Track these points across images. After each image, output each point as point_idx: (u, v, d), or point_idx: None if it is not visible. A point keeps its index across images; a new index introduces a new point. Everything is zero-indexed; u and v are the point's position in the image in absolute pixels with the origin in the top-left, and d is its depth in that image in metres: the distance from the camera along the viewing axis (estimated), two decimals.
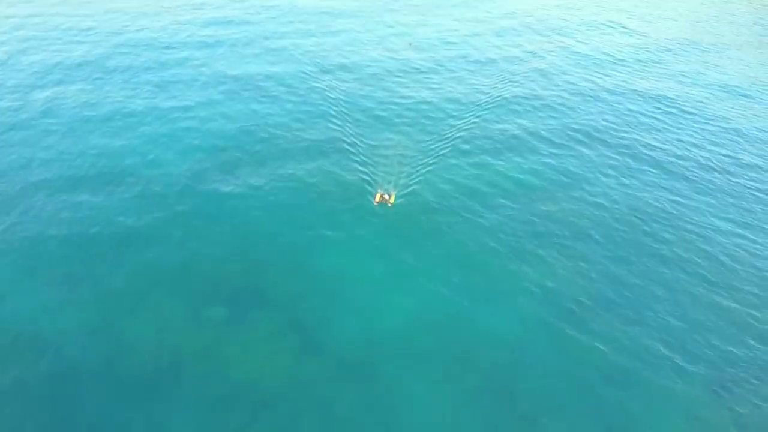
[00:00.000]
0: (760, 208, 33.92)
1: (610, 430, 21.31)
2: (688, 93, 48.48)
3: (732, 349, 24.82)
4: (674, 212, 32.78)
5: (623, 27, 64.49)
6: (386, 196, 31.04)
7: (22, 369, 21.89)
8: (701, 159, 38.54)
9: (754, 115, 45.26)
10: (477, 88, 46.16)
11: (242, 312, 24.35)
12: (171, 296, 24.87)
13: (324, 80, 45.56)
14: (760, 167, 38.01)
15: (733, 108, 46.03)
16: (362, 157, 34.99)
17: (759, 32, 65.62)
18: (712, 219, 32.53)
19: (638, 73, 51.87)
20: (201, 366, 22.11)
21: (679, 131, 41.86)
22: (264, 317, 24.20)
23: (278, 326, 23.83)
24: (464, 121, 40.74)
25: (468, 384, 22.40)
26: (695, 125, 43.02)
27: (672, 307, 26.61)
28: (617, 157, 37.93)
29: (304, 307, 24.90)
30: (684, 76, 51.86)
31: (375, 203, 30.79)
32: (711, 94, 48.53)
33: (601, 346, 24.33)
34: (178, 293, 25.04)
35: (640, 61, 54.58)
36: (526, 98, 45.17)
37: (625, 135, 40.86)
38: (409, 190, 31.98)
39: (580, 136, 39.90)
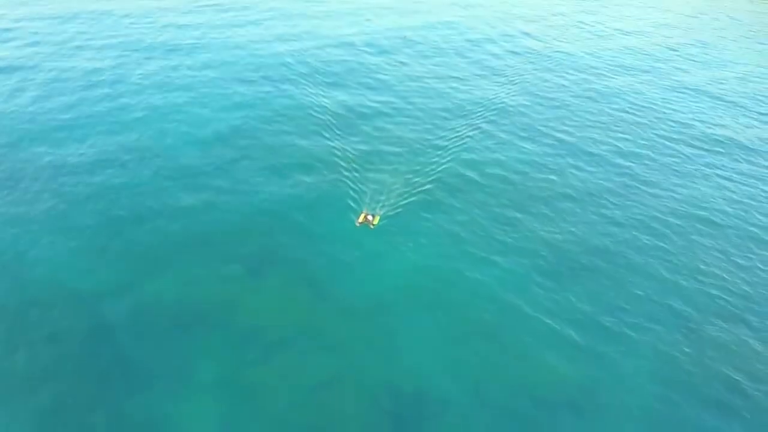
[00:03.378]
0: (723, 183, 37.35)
1: (588, 371, 24.20)
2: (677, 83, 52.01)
3: (700, 299, 28.16)
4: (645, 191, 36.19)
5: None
6: (370, 217, 30.39)
7: (60, 321, 24.52)
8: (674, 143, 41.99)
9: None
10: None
11: (257, 270, 27.29)
12: (192, 258, 27.73)
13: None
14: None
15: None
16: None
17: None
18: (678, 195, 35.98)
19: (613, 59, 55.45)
20: (221, 313, 24.95)
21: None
22: (277, 273, 27.16)
23: (290, 281, 26.77)
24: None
25: (459, 329, 25.33)
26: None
27: (643, 268, 29.69)
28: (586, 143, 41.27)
29: (313, 266, 27.74)
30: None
31: (357, 224, 30.06)
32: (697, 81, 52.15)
33: (579, 301, 27.30)
34: (198, 255, 27.88)
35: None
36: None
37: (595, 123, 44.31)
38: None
39: (557, 134, 43.17)
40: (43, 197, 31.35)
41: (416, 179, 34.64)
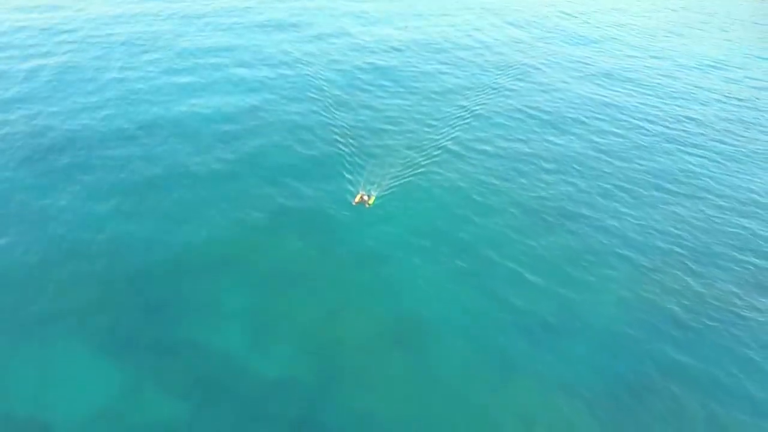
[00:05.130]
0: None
1: (560, 304, 28.60)
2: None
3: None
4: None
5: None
6: (366, 197, 32.54)
7: (104, 261, 28.67)
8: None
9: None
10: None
11: (277, 221, 31.77)
12: (218, 210, 32.12)
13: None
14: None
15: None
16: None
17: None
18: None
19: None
20: (245, 256, 29.24)
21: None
22: (294, 224, 31.65)
23: (306, 229, 31.27)
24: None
25: (449, 271, 29.82)
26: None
27: (603, 225, 34.43)
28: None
29: (323, 222, 32.02)
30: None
31: (354, 203, 32.45)
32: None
33: (548, 251, 31.92)
34: (224, 209, 32.28)
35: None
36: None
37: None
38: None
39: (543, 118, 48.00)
40: (87, 165, 35.57)
41: (413, 156, 39.14)
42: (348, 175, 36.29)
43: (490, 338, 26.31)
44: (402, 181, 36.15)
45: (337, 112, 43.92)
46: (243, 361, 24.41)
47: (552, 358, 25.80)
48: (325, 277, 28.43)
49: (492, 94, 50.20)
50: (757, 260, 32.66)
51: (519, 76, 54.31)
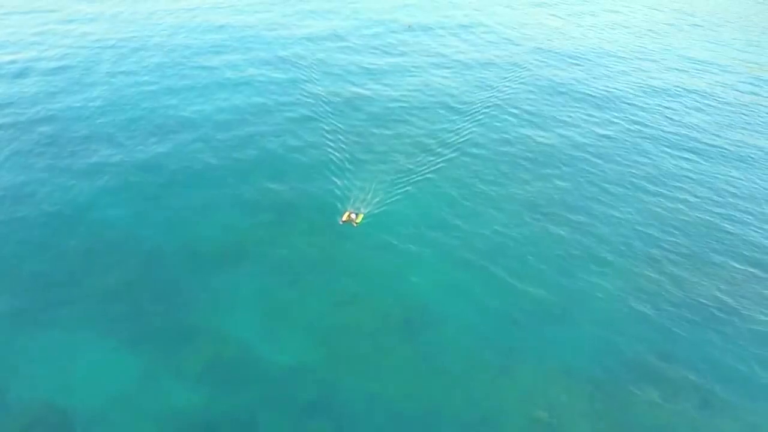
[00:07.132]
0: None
1: (563, 294, 29.54)
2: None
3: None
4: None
5: None
6: (353, 216, 32.34)
7: (120, 251, 29.88)
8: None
9: None
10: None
11: (286, 217, 32.87)
12: (230, 207, 33.30)
13: None
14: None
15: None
16: None
17: None
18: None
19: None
20: (258, 247, 30.35)
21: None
22: (303, 219, 32.73)
23: (314, 224, 32.31)
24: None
25: (454, 262, 30.81)
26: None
27: (600, 220, 35.37)
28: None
29: (334, 213, 33.00)
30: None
31: (341, 222, 32.11)
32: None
33: (551, 243, 32.82)
34: (235, 205, 33.46)
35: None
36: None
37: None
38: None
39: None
40: (102, 165, 36.73)
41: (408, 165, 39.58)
42: (352, 179, 36.71)
43: (492, 327, 27.22)
44: (400, 191, 36.23)
45: (337, 120, 44.72)
46: (256, 347, 25.31)
47: (550, 347, 26.63)
48: (336, 269, 29.40)
49: (485, 96, 50.90)
50: (741, 261, 33.32)
51: (515, 77, 55.20)
